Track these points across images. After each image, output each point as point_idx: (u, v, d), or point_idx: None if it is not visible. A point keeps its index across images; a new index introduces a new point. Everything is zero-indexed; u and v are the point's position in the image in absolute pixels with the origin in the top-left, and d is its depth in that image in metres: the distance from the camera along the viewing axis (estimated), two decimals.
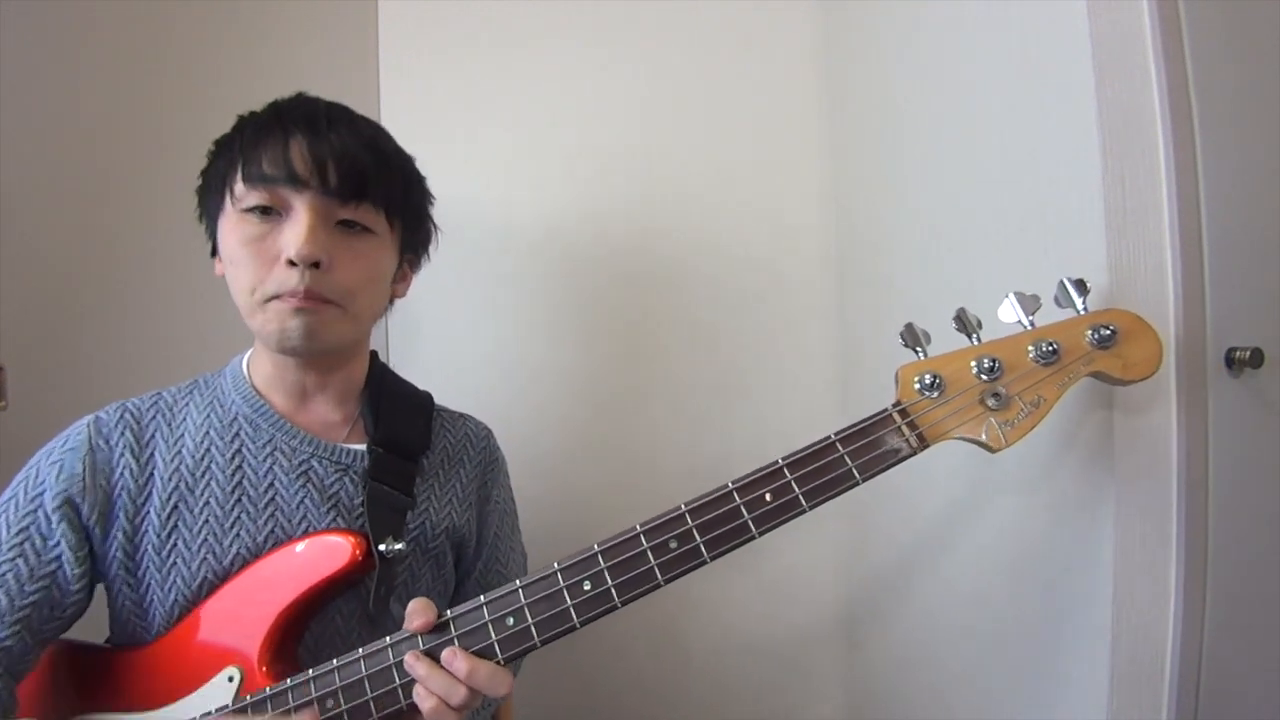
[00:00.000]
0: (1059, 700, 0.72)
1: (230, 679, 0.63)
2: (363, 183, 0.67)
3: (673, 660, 1.17)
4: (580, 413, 1.16)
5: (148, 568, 0.67)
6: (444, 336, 1.17)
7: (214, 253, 0.73)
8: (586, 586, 0.59)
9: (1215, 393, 0.67)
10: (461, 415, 0.84)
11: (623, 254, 1.17)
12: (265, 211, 0.66)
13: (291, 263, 0.64)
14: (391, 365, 0.83)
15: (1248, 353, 0.67)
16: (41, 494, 0.65)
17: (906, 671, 1.01)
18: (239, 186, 0.66)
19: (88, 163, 1.02)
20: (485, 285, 1.17)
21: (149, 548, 0.67)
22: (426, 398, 0.81)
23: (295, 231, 0.65)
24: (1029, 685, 0.77)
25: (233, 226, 0.67)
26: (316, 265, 0.65)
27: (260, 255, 0.66)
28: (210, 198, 0.70)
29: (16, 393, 0.95)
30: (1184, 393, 0.65)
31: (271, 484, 0.69)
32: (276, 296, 0.65)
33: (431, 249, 0.82)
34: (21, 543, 0.64)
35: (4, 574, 0.62)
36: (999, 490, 0.82)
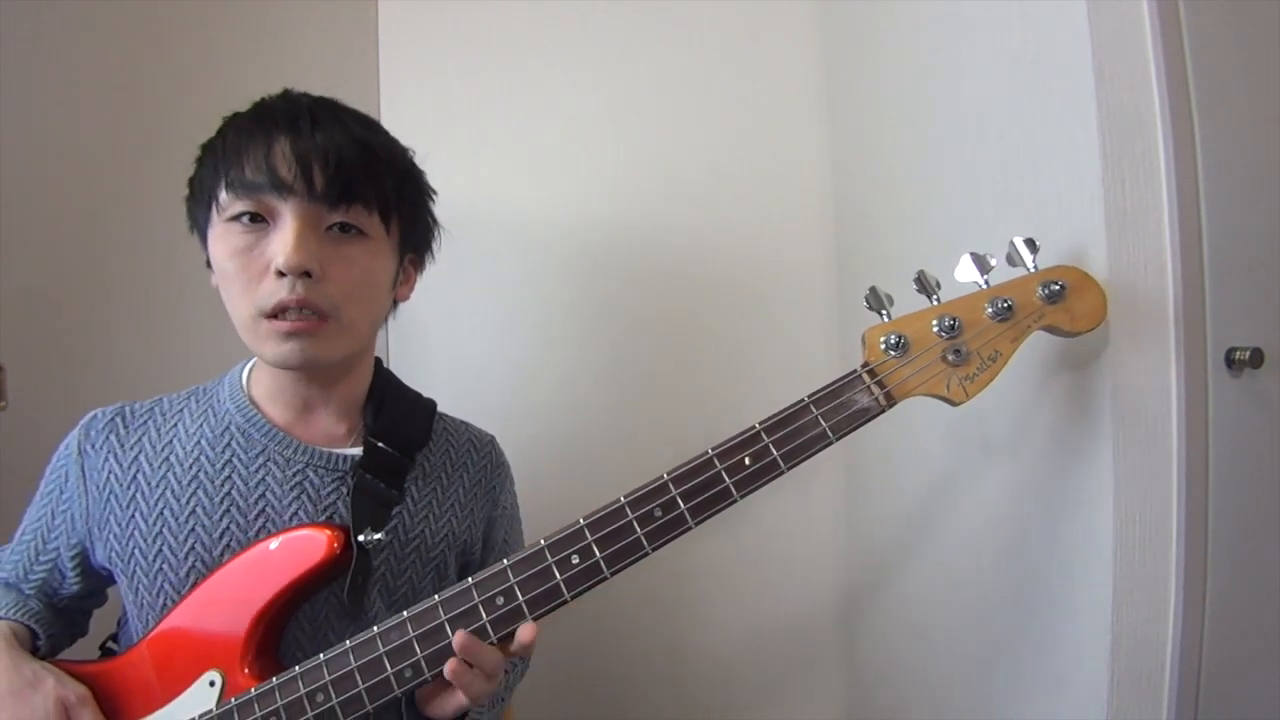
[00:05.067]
0: (1059, 700, 0.72)
1: (211, 683, 0.62)
2: (351, 183, 0.64)
3: (671, 662, 1.17)
4: (584, 414, 1.16)
5: (135, 572, 0.67)
6: (447, 339, 1.17)
7: (210, 263, 0.70)
8: (575, 560, 0.60)
9: (1215, 393, 0.67)
10: (464, 423, 0.82)
11: (625, 254, 1.17)
12: (252, 219, 0.64)
13: (281, 273, 0.62)
14: (394, 369, 0.81)
15: (1248, 353, 0.67)
16: (51, 492, 0.71)
17: (906, 672, 1.01)
18: (223, 195, 0.64)
19: (87, 163, 1.02)
20: (486, 287, 1.17)
21: (137, 551, 0.67)
22: (430, 402, 0.80)
23: (283, 240, 0.62)
24: (1029, 686, 0.77)
25: (220, 237, 0.65)
26: (308, 275, 0.62)
27: (249, 267, 0.63)
28: (198, 209, 0.68)
29: (16, 393, 0.95)
30: (1184, 393, 0.65)
31: (263, 494, 0.68)
32: (269, 315, 0.63)
33: (435, 248, 0.79)
34: (37, 528, 0.71)
35: (24, 547, 0.71)
36: (999, 492, 0.82)
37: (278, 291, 0.62)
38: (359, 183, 0.65)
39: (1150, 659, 0.66)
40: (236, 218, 0.64)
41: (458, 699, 0.62)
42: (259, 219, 0.64)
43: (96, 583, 0.72)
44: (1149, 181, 0.66)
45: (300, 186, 0.63)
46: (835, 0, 1.14)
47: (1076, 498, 0.70)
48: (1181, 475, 0.65)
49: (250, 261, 0.63)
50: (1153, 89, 0.66)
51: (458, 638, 0.59)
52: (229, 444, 0.69)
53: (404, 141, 0.73)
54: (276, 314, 0.63)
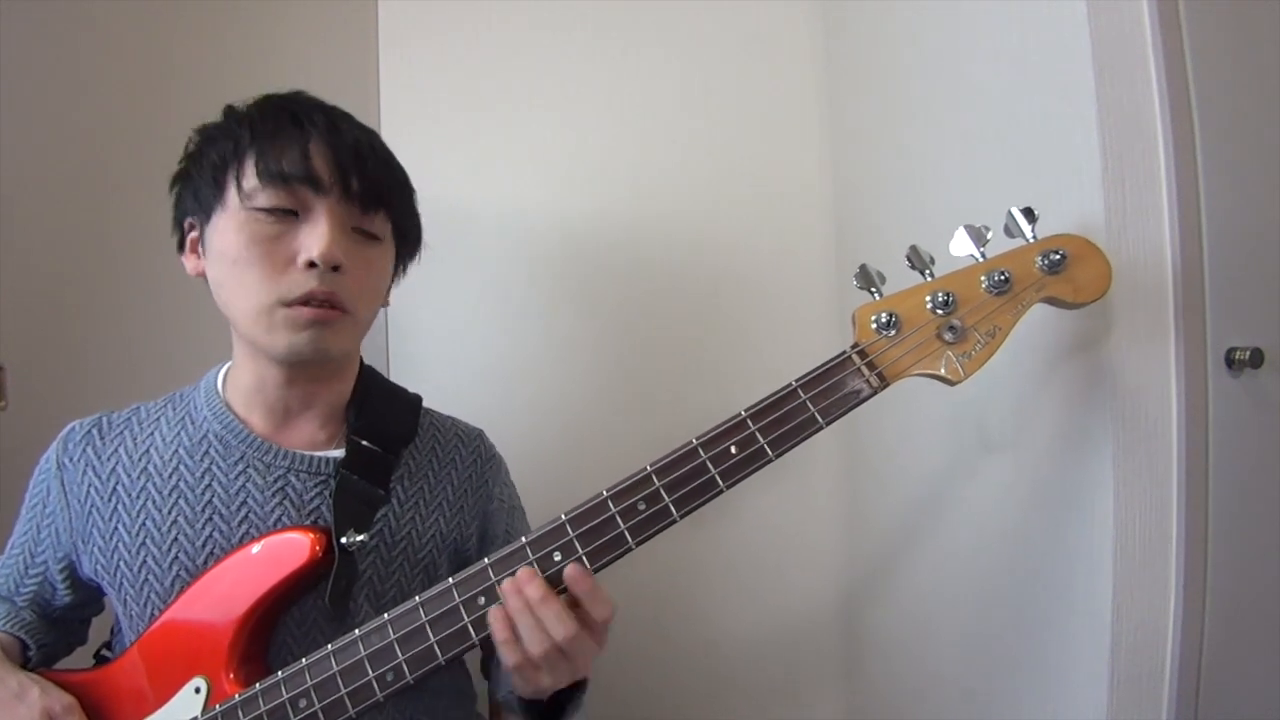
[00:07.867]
0: (1059, 700, 0.72)
1: (197, 690, 0.62)
2: (380, 192, 0.67)
3: (671, 662, 1.17)
4: (582, 412, 1.16)
5: (122, 582, 0.66)
6: (445, 337, 1.17)
7: (180, 248, 0.69)
8: (557, 557, 0.58)
9: (1215, 393, 0.67)
10: (451, 418, 0.81)
11: (624, 254, 1.17)
12: (282, 211, 0.63)
13: (311, 264, 0.62)
14: (391, 369, 0.81)
15: (1248, 353, 0.67)
16: (35, 506, 0.71)
17: (906, 673, 1.01)
18: (250, 182, 0.63)
19: (87, 163, 1.02)
20: (486, 285, 1.17)
21: (121, 563, 0.66)
22: (415, 397, 0.79)
23: (318, 234, 0.63)
24: (1029, 686, 0.77)
25: (240, 224, 0.63)
26: (337, 269, 0.64)
27: (273, 256, 0.63)
28: (201, 189, 0.66)
29: (16, 393, 0.95)
30: (1184, 393, 0.65)
31: (244, 501, 0.67)
32: (287, 304, 0.63)
33: (416, 259, 0.80)
34: (24, 543, 0.71)
35: (14, 560, 0.72)
36: (999, 493, 0.81)
37: (306, 282, 0.63)
38: (385, 189, 0.68)
39: (1150, 659, 0.66)
40: (264, 208, 0.63)
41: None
42: (286, 211, 0.64)
43: (89, 593, 0.72)
44: (1149, 181, 0.66)
45: (336, 188, 0.64)
46: (835, 1, 1.14)
47: (1077, 498, 0.70)
48: (1181, 475, 0.65)
49: (275, 250, 0.63)
50: (1153, 89, 0.66)
51: (571, 569, 0.57)
52: (207, 452, 0.68)
53: (403, 142, 0.74)
54: (297, 303, 0.63)
